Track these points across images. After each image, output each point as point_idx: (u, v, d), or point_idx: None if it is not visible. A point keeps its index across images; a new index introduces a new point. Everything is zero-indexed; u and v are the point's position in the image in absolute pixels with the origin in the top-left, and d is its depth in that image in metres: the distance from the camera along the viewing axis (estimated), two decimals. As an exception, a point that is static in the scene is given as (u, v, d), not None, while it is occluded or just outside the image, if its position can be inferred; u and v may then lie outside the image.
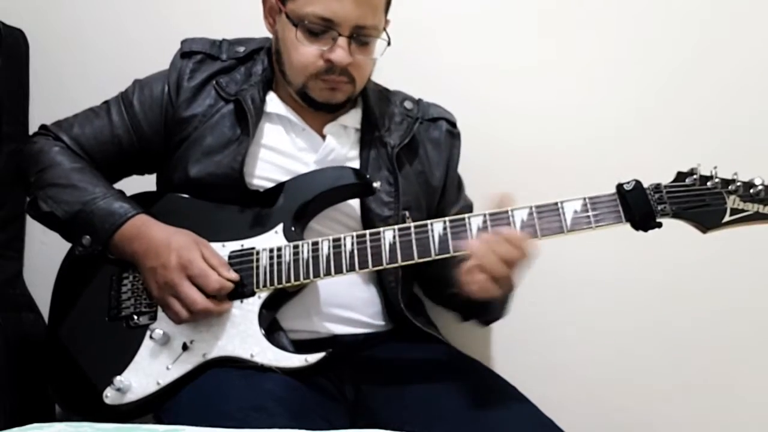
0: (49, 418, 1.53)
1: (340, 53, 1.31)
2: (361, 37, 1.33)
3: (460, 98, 1.61)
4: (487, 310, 1.42)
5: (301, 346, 1.27)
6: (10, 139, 1.75)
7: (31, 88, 1.86)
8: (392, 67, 1.54)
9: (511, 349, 1.70)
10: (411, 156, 1.47)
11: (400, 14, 1.47)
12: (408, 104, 1.51)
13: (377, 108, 1.46)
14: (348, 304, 1.37)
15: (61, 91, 1.84)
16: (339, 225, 1.39)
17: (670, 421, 1.66)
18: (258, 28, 1.48)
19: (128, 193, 1.42)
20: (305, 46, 1.33)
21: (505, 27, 1.74)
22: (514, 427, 1.21)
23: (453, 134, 1.54)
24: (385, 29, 1.39)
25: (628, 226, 1.19)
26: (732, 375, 1.65)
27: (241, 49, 1.46)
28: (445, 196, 1.52)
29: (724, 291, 1.65)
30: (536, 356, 1.70)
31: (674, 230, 1.42)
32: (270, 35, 1.44)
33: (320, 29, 1.32)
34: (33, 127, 1.76)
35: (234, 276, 1.27)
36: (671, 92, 1.68)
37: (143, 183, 1.50)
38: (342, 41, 1.31)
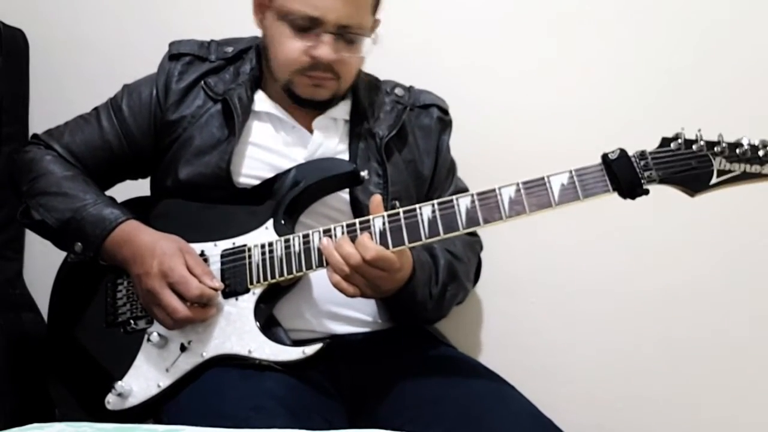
0: (49, 418, 1.52)
1: (324, 50, 1.32)
2: (347, 35, 1.34)
3: (458, 99, 1.60)
4: (397, 312, 1.40)
5: (299, 345, 1.26)
6: (10, 139, 1.76)
7: (31, 88, 1.86)
8: (390, 67, 1.54)
9: (511, 350, 1.69)
10: (400, 144, 1.46)
11: (399, 14, 1.47)
12: (399, 91, 1.51)
13: (366, 99, 1.46)
14: (346, 303, 1.35)
15: (61, 90, 1.85)
16: (329, 220, 1.38)
17: (670, 421, 1.66)
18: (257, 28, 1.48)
19: (123, 198, 1.42)
20: (290, 41, 1.34)
21: (504, 27, 1.74)
22: (514, 427, 1.20)
23: (444, 121, 1.53)
24: (373, 29, 1.39)
25: (620, 208, 1.19)
26: (732, 375, 1.64)
27: (230, 49, 1.46)
28: (434, 183, 1.51)
29: (723, 291, 1.65)
30: (536, 357, 1.69)
31: (675, 231, 1.42)
32: (258, 32, 1.44)
33: (306, 25, 1.32)
34: (33, 127, 1.77)
35: (217, 285, 1.26)
36: (672, 93, 1.67)
37: (138, 188, 1.50)
38: (327, 38, 1.32)
